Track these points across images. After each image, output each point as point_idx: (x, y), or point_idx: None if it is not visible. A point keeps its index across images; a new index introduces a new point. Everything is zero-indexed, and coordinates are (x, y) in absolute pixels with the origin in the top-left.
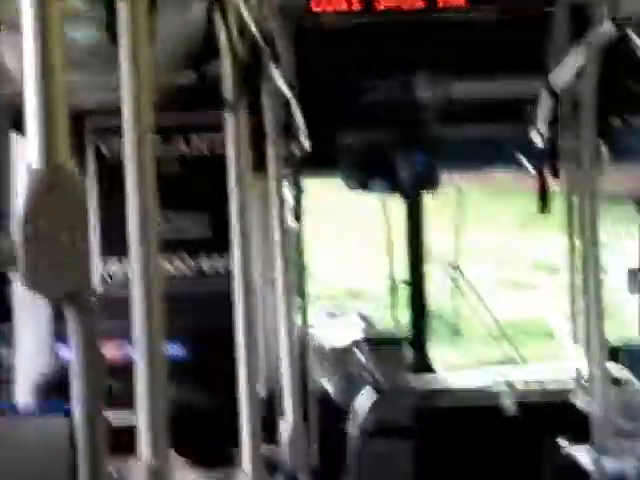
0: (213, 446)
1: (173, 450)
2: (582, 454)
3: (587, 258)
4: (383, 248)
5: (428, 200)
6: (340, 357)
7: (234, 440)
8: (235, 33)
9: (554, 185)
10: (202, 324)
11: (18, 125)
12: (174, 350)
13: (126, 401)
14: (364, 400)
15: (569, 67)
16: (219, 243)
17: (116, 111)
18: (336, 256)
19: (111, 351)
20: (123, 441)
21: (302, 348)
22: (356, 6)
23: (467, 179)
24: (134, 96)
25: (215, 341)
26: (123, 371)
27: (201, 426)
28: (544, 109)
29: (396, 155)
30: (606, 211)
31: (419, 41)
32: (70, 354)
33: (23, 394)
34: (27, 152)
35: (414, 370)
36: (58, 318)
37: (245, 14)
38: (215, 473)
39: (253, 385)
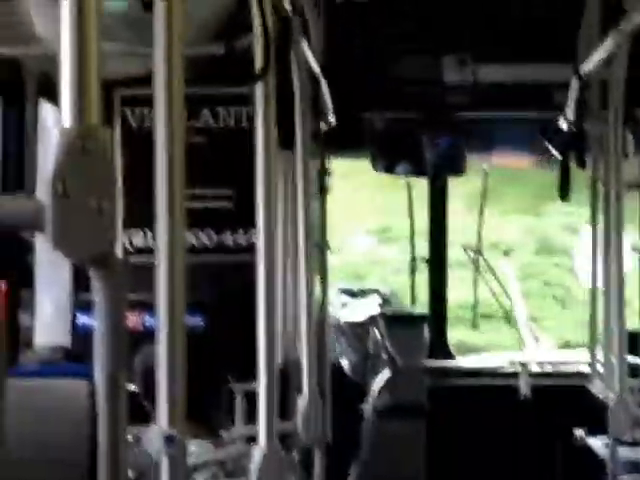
0: (227, 418)
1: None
2: (597, 442)
3: (609, 246)
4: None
5: (453, 183)
6: (357, 333)
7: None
8: (267, 6)
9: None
10: (222, 297)
11: (45, 88)
12: (193, 321)
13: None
14: (379, 378)
15: (599, 54)
16: (243, 217)
17: (145, 81)
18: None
19: (131, 322)
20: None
21: (321, 324)
22: None
23: None
24: (166, 67)
25: (234, 314)
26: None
27: (217, 398)
28: (572, 95)
29: (422, 137)
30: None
31: (449, 21)
32: (91, 321)
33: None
34: (59, 113)
35: (431, 350)
36: (79, 285)
37: None
38: (229, 446)
39: (271, 360)
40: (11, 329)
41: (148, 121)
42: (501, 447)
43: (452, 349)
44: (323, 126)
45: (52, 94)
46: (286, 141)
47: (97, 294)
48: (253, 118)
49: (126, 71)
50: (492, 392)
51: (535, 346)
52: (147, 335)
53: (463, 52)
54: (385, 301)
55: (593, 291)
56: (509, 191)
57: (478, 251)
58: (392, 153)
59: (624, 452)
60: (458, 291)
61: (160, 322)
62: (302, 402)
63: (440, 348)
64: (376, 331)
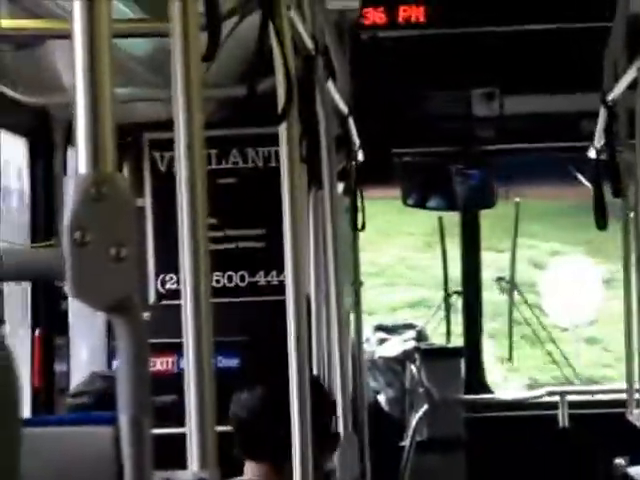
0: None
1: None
2: (637, 470)
3: None
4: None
5: (484, 215)
6: (393, 368)
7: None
8: (289, 46)
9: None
10: (258, 337)
11: (73, 137)
12: (229, 362)
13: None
14: (416, 412)
15: (624, 81)
16: (275, 257)
17: (172, 125)
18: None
19: (164, 364)
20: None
21: (355, 360)
22: (412, 19)
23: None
24: (185, 109)
25: (270, 354)
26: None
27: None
28: (600, 124)
29: (452, 171)
30: None
31: (476, 55)
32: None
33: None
34: (76, 161)
35: (467, 383)
36: (113, 332)
37: (299, 27)
38: None
39: (304, 397)
40: (46, 376)
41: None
42: (540, 478)
43: (487, 378)
44: (352, 163)
45: None
46: (315, 179)
47: (119, 340)
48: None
49: (154, 115)
50: (530, 423)
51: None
52: (180, 377)
53: (491, 86)
54: (420, 335)
55: (628, 319)
56: None
57: (512, 285)
58: (422, 188)
59: None
60: None
61: (188, 363)
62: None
63: (476, 381)
64: (412, 366)
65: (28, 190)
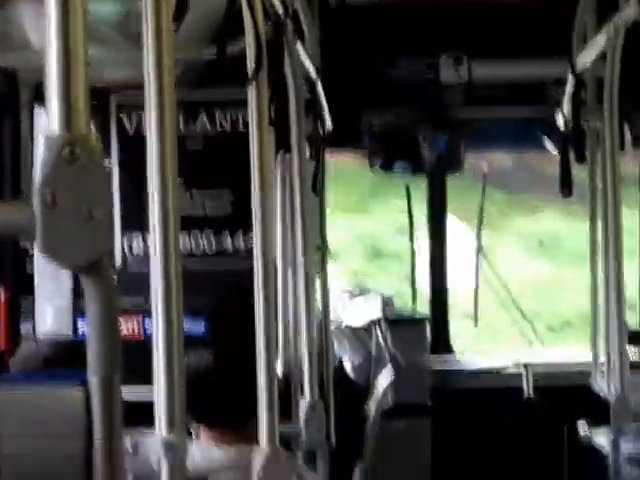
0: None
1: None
2: (600, 437)
3: (609, 242)
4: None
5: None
6: (359, 336)
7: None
8: (259, 9)
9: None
10: (224, 302)
11: (40, 97)
12: (193, 326)
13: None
14: (382, 379)
15: (593, 49)
16: (241, 221)
17: (141, 87)
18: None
19: (129, 326)
20: (137, 416)
21: (321, 327)
22: None
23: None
24: (156, 72)
25: (234, 318)
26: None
27: (218, 403)
28: (568, 91)
29: (419, 136)
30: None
31: (443, 21)
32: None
33: None
34: (48, 121)
35: (433, 350)
36: (79, 292)
37: None
38: (232, 448)
39: (271, 362)
40: (12, 336)
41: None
42: (505, 445)
43: (453, 346)
44: (319, 127)
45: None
46: (283, 143)
47: (88, 301)
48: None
49: (122, 77)
50: (495, 391)
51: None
52: (147, 341)
53: (458, 51)
54: (386, 302)
55: (594, 288)
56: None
57: (479, 249)
58: (389, 153)
59: (627, 447)
60: None
61: (157, 328)
62: (304, 405)
63: (442, 347)
64: (378, 332)
65: None
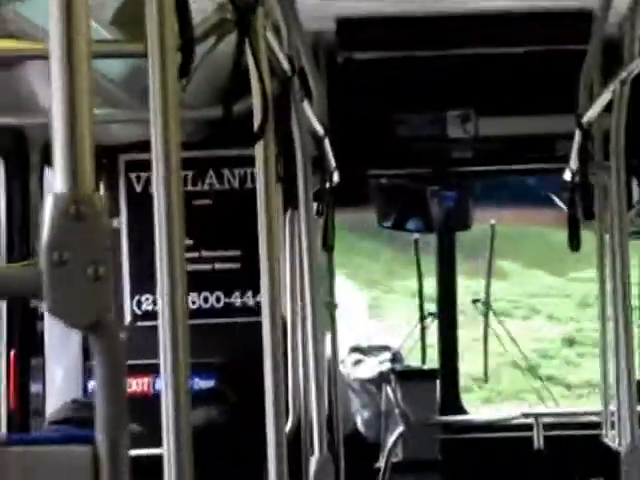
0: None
1: None
2: None
3: (617, 295)
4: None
5: (460, 237)
6: (368, 390)
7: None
8: (265, 67)
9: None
10: (234, 358)
11: (49, 157)
12: (205, 383)
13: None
14: (392, 435)
15: (599, 103)
16: (249, 277)
17: (149, 145)
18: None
19: (141, 386)
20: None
21: (331, 383)
22: (388, 41)
23: None
24: (162, 130)
25: (246, 374)
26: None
27: (227, 460)
28: (575, 146)
29: (428, 193)
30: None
31: (451, 77)
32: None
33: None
34: (54, 181)
35: (443, 405)
36: (89, 352)
37: (276, 48)
38: None
39: (279, 421)
40: (21, 396)
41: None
42: None
43: (463, 400)
44: (327, 185)
45: None
46: (292, 201)
47: (96, 359)
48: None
49: (130, 137)
50: (505, 444)
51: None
52: (157, 399)
53: (466, 107)
54: (395, 357)
55: (603, 342)
56: None
57: (488, 306)
58: (398, 209)
59: None
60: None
61: (165, 385)
62: (314, 462)
63: (452, 403)
64: (388, 387)
65: (4, 210)
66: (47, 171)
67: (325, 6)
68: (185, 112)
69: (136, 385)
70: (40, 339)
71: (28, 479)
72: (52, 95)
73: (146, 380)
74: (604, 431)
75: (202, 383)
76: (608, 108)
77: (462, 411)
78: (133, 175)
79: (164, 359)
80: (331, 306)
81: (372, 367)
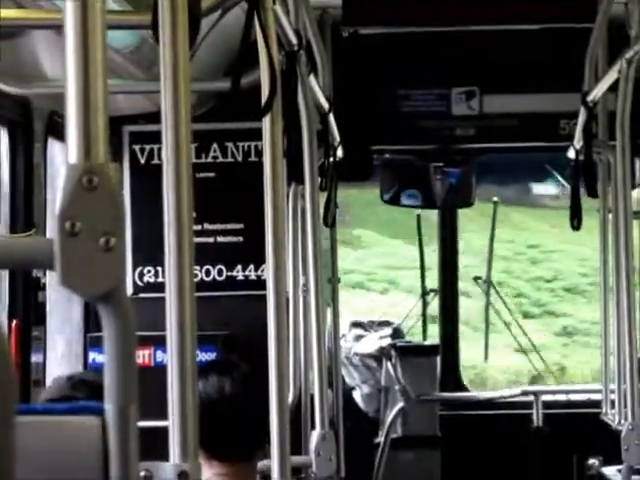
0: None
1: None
2: (611, 469)
3: (620, 274)
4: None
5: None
6: (368, 365)
7: (260, 449)
8: (274, 40)
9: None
10: (235, 331)
11: (54, 127)
12: (206, 355)
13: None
14: (392, 410)
15: (605, 82)
16: (252, 251)
17: (153, 118)
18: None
19: (142, 357)
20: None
21: (332, 358)
22: (394, 17)
23: None
24: (173, 102)
25: (247, 348)
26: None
27: (228, 433)
28: (580, 125)
29: (431, 169)
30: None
31: (457, 54)
32: (103, 358)
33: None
34: (66, 151)
35: (443, 380)
36: (90, 323)
37: (283, 21)
38: None
39: (282, 394)
40: (22, 367)
41: (157, 158)
42: (515, 476)
43: (462, 375)
44: (331, 159)
45: (61, 132)
46: (295, 175)
47: (106, 330)
48: (262, 152)
49: (134, 108)
50: (505, 421)
51: None
52: (158, 370)
53: (471, 84)
54: (396, 333)
55: (605, 320)
56: None
57: (489, 283)
58: (401, 185)
59: (637, 478)
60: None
61: (170, 357)
62: (315, 436)
63: (452, 379)
64: (388, 363)
65: (8, 180)
66: (51, 142)
67: None
68: (191, 84)
69: (137, 357)
70: (42, 309)
71: (36, 449)
72: (65, 65)
73: (147, 352)
74: (604, 409)
75: (203, 355)
76: (613, 87)
77: (462, 388)
78: (137, 147)
79: (170, 331)
80: (334, 281)
81: (373, 342)
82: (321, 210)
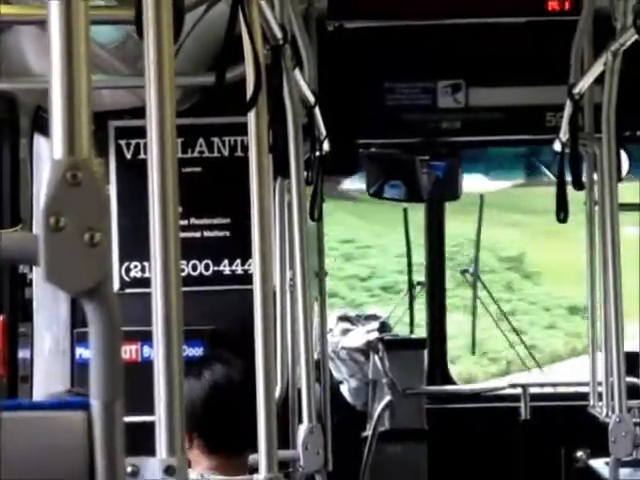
0: (230, 450)
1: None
2: (598, 462)
3: (607, 267)
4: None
5: (448, 206)
6: (355, 359)
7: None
8: (259, 34)
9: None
10: (220, 325)
11: (39, 123)
12: (193, 350)
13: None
14: (379, 404)
15: (590, 75)
16: (238, 246)
17: (139, 113)
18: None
19: (129, 352)
20: (138, 440)
21: (320, 351)
22: (379, 11)
23: None
24: (157, 97)
25: (234, 343)
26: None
27: (217, 428)
28: (566, 117)
29: (417, 162)
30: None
31: (442, 47)
32: (88, 354)
33: (41, 393)
34: (51, 147)
35: (430, 375)
36: (77, 319)
37: (269, 17)
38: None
39: (269, 388)
40: (9, 363)
41: (143, 153)
42: (502, 469)
43: (450, 368)
44: (317, 153)
45: (47, 128)
46: (282, 169)
47: (91, 326)
48: (248, 147)
49: (120, 103)
50: (492, 414)
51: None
52: (145, 366)
53: (456, 77)
54: (384, 326)
55: (592, 312)
56: None
57: (476, 277)
58: (387, 178)
59: (625, 472)
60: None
61: (157, 352)
62: (302, 430)
63: (440, 373)
64: (375, 357)
65: None
66: (36, 137)
67: None
68: (176, 79)
69: (124, 352)
70: (29, 305)
71: (22, 444)
72: (49, 60)
73: (134, 347)
74: (591, 402)
75: (190, 350)
76: (599, 80)
77: (450, 381)
78: (123, 142)
79: (156, 326)
80: (321, 275)
81: (360, 336)
82: (307, 204)
